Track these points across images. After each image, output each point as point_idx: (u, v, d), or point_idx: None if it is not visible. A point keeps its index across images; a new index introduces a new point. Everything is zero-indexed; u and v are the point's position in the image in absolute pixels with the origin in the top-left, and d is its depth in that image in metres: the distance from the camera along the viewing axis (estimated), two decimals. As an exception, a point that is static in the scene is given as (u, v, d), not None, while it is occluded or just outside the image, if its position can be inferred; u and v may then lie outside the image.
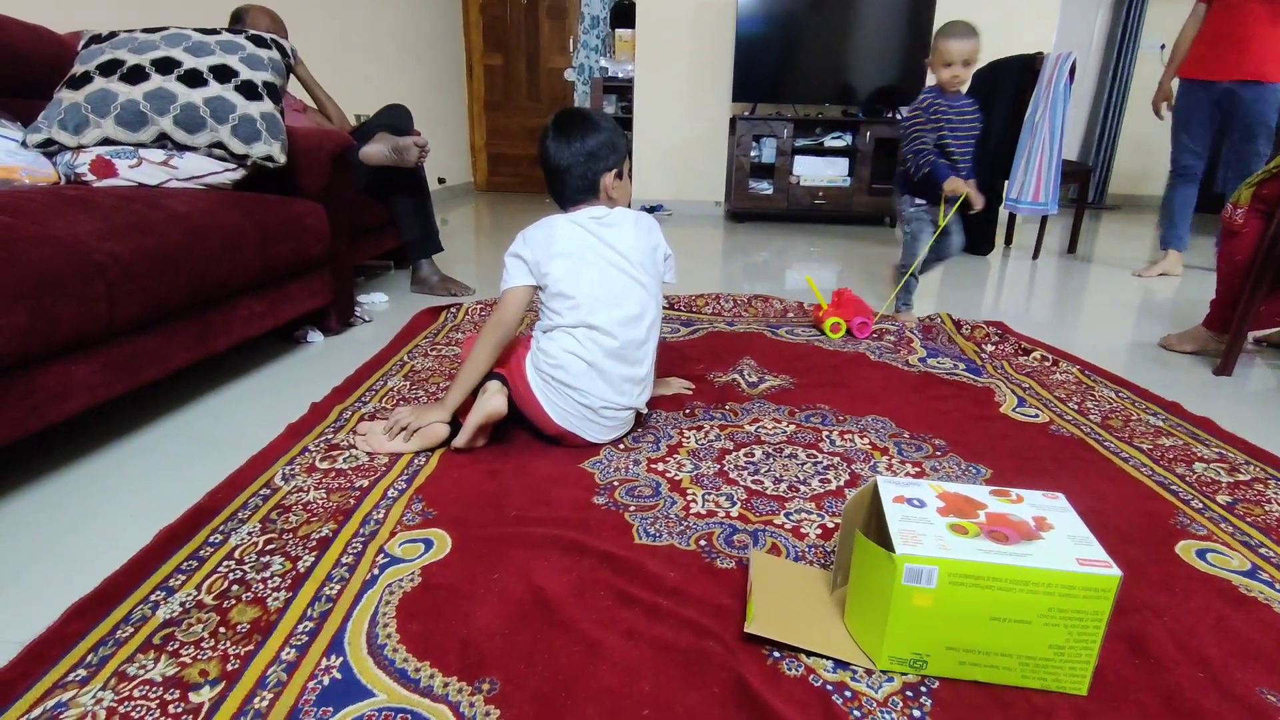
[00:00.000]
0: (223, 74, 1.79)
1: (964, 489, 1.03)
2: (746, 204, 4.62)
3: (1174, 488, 1.43)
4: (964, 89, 2.38)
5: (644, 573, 1.12)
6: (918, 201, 2.44)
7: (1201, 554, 1.22)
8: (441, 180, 5.08)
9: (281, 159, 1.85)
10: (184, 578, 1.09)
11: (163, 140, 1.75)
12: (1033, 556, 0.88)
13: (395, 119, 2.50)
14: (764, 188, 4.59)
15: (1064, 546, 0.90)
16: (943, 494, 1.01)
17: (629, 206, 1.55)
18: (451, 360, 1.99)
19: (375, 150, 2.29)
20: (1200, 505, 1.37)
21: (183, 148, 1.77)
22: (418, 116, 3.20)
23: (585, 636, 0.99)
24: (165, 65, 1.76)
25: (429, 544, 1.18)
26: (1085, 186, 3.85)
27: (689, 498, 1.35)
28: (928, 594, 0.89)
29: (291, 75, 2.01)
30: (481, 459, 1.46)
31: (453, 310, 2.41)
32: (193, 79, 1.76)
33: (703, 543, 1.21)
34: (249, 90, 1.80)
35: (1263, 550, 1.23)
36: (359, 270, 2.82)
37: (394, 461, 1.45)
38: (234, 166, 1.83)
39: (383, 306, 2.50)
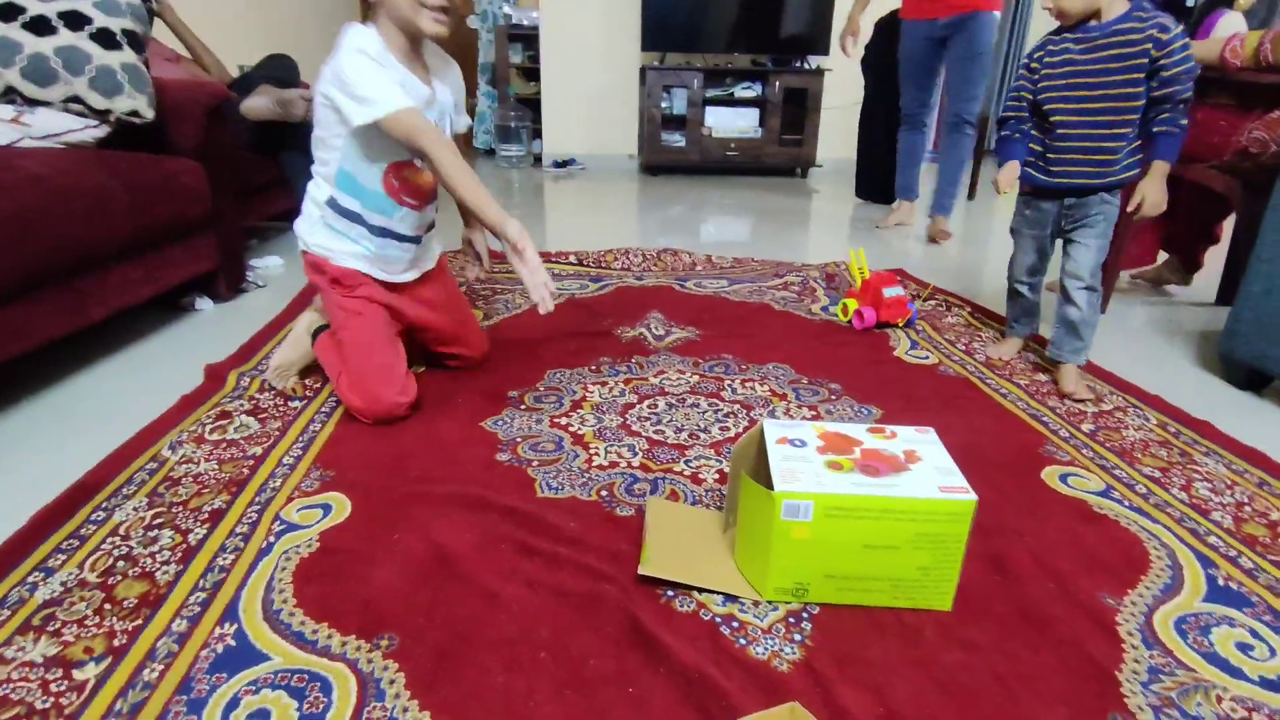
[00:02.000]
0: (74, 20, 1.65)
1: (843, 428, 1.08)
2: (660, 157, 4.61)
3: (1045, 419, 1.54)
4: (1101, 17, 1.55)
5: (545, 525, 1.15)
6: (1023, 190, 1.74)
7: (1064, 478, 1.32)
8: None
9: (149, 114, 1.73)
10: (64, 557, 1.05)
11: (10, 95, 1.61)
12: (900, 487, 0.94)
13: (280, 70, 2.37)
14: (676, 140, 4.58)
15: (929, 476, 0.97)
16: (823, 434, 1.06)
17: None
18: (353, 323, 1.94)
19: (257, 104, 2.17)
20: (1067, 434, 1.48)
21: (34, 102, 1.63)
22: (307, 67, 3.04)
23: (485, 589, 1.01)
24: (6, 11, 1.61)
25: (328, 509, 1.17)
26: (983, 135, 4.00)
27: (591, 451, 1.37)
28: (805, 527, 0.94)
29: (157, 21, 1.87)
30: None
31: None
32: (39, 26, 1.62)
33: (604, 493, 1.24)
34: (106, 38, 1.67)
35: (1116, 471, 1.35)
36: (251, 232, 2.69)
37: (288, 427, 1.41)
38: (96, 123, 1.71)
39: (278, 270, 2.40)
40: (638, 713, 0.83)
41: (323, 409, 1.50)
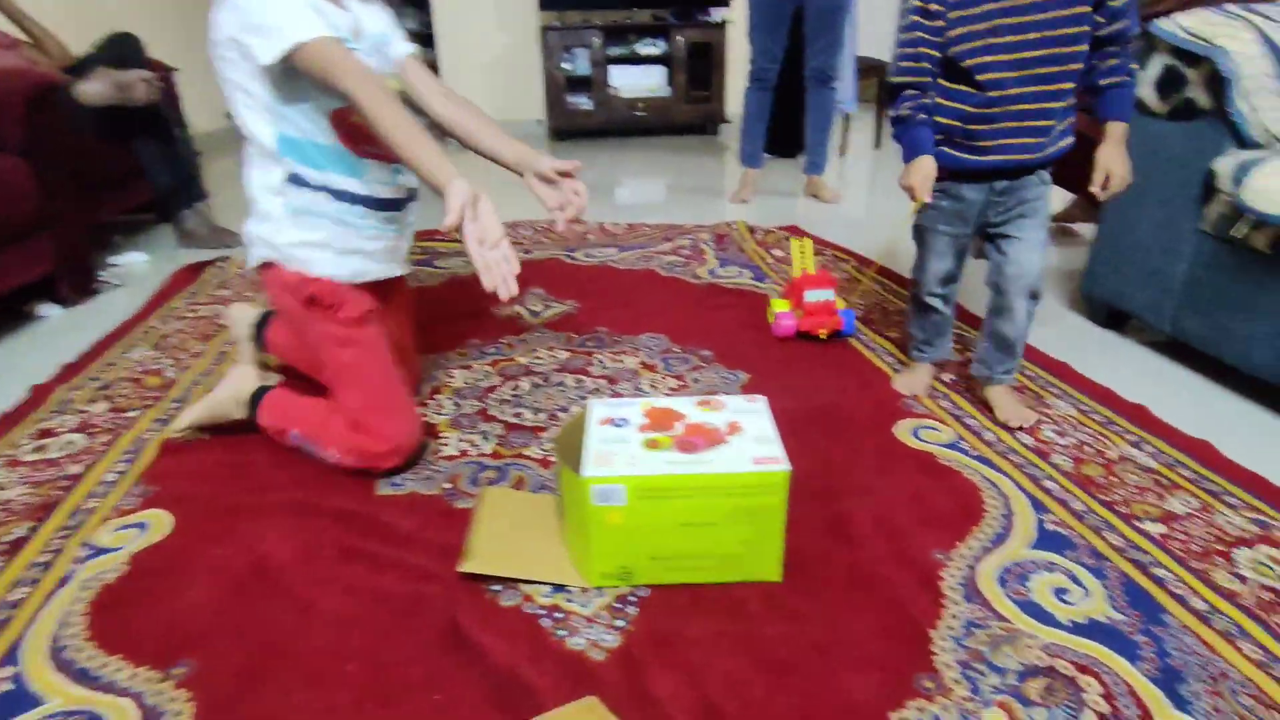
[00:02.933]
0: None
1: (672, 403, 1.06)
2: (567, 120, 4.48)
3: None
4: None
5: (376, 525, 1.10)
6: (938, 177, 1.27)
7: (915, 432, 1.32)
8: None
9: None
10: None
11: None
12: (713, 462, 0.92)
13: (120, 50, 2.20)
14: (583, 102, 4.46)
15: (745, 448, 0.94)
16: (649, 410, 1.03)
17: None
18: (210, 320, 1.84)
19: (93, 89, 2.01)
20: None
21: None
22: (166, 45, 2.85)
23: (300, 600, 0.97)
24: None
25: (144, 527, 1.11)
26: (884, 82, 3.99)
27: (441, 440, 1.32)
28: (620, 510, 0.91)
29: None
30: (223, 429, 1.37)
31: (219, 264, 2.22)
32: None
33: (447, 486, 1.19)
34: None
35: (968, 420, 1.36)
36: (114, 228, 2.53)
37: (113, 442, 1.33)
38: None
39: (142, 267, 2.26)
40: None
41: (161, 417, 1.41)
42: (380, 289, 1.28)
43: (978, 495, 1.15)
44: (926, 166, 1.24)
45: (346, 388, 1.22)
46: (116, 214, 2.43)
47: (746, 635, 0.90)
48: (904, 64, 1.23)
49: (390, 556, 1.04)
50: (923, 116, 1.24)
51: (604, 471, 0.90)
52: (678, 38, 4.39)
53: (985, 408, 1.39)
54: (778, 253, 2.30)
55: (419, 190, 1.28)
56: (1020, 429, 1.32)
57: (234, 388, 1.30)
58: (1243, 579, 0.96)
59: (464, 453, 1.29)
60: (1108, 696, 0.81)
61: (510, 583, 0.98)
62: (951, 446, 1.28)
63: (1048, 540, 1.05)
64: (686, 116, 4.59)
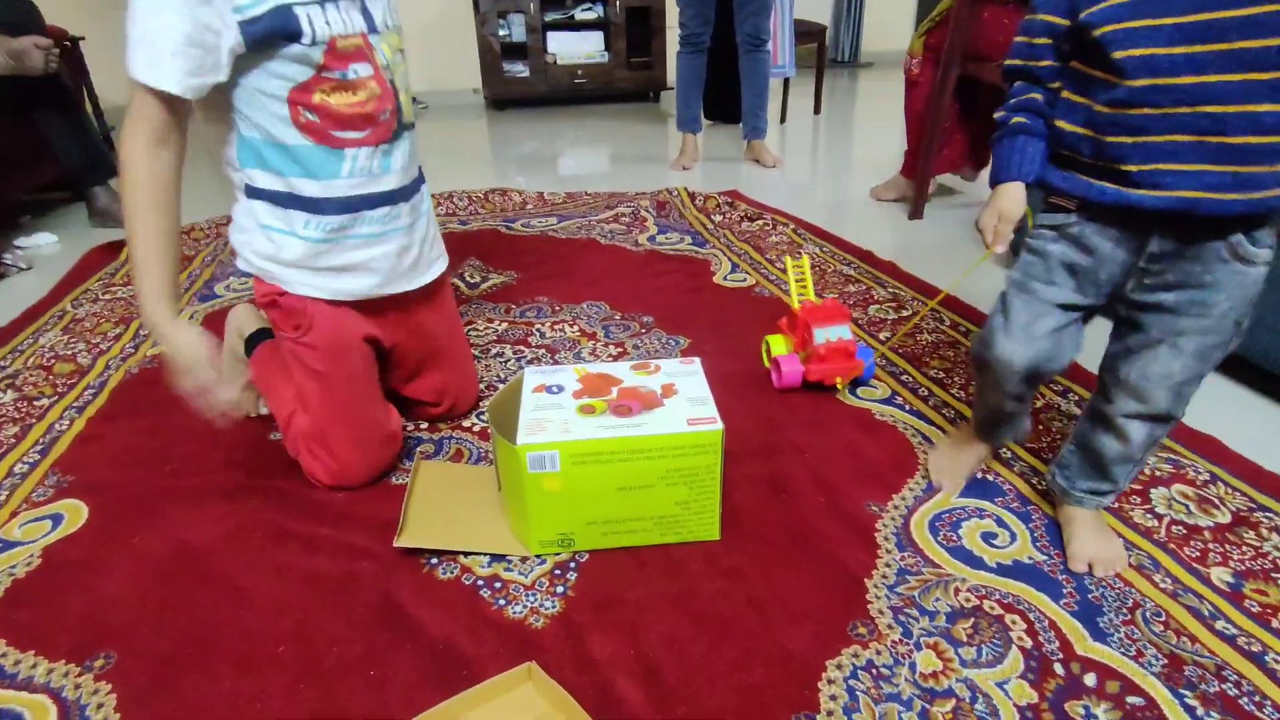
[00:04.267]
0: None
1: (607, 368, 1.05)
2: (505, 89, 4.38)
3: (847, 330, 1.56)
4: None
5: (310, 504, 1.07)
6: (1052, 206, 0.86)
7: (853, 389, 1.34)
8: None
9: None
10: None
11: None
12: (647, 425, 0.91)
13: (13, 16, 2.06)
14: (520, 70, 4.36)
15: (680, 410, 0.94)
16: (584, 376, 1.02)
17: None
18: (127, 302, 1.75)
19: (-18, 59, 1.88)
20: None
21: None
22: (70, 12, 2.67)
23: (229, 584, 0.94)
24: None
25: (58, 519, 1.05)
26: (823, 46, 3.99)
27: (377, 415, 1.29)
28: (555, 477, 0.90)
29: None
30: (144, 413, 1.31)
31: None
32: None
33: (382, 461, 1.16)
34: None
35: (904, 377, 1.38)
36: (21, 208, 2.38)
37: (27, 431, 1.26)
38: None
39: (52, 249, 2.14)
40: (375, 696, 0.79)
41: (75, 404, 1.34)
42: (396, 302, 1.10)
43: (912, 449, 1.17)
44: (1012, 198, 0.84)
45: (305, 411, 1.08)
46: (22, 193, 2.29)
47: (686, 595, 0.91)
48: (1018, 41, 0.83)
49: (323, 536, 1.01)
50: (1023, 121, 0.82)
51: (538, 439, 0.89)
52: (615, 2, 4.31)
53: (922, 362, 1.41)
54: (718, 218, 2.29)
55: (419, 166, 1.12)
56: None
57: (236, 323, 1.26)
58: (1158, 516, 1.01)
59: (400, 427, 1.25)
60: (1031, 632, 0.84)
61: (448, 555, 0.97)
62: (887, 402, 1.30)
63: (977, 488, 1.08)
64: (627, 84, 4.53)
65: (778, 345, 1.38)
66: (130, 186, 0.90)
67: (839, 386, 1.31)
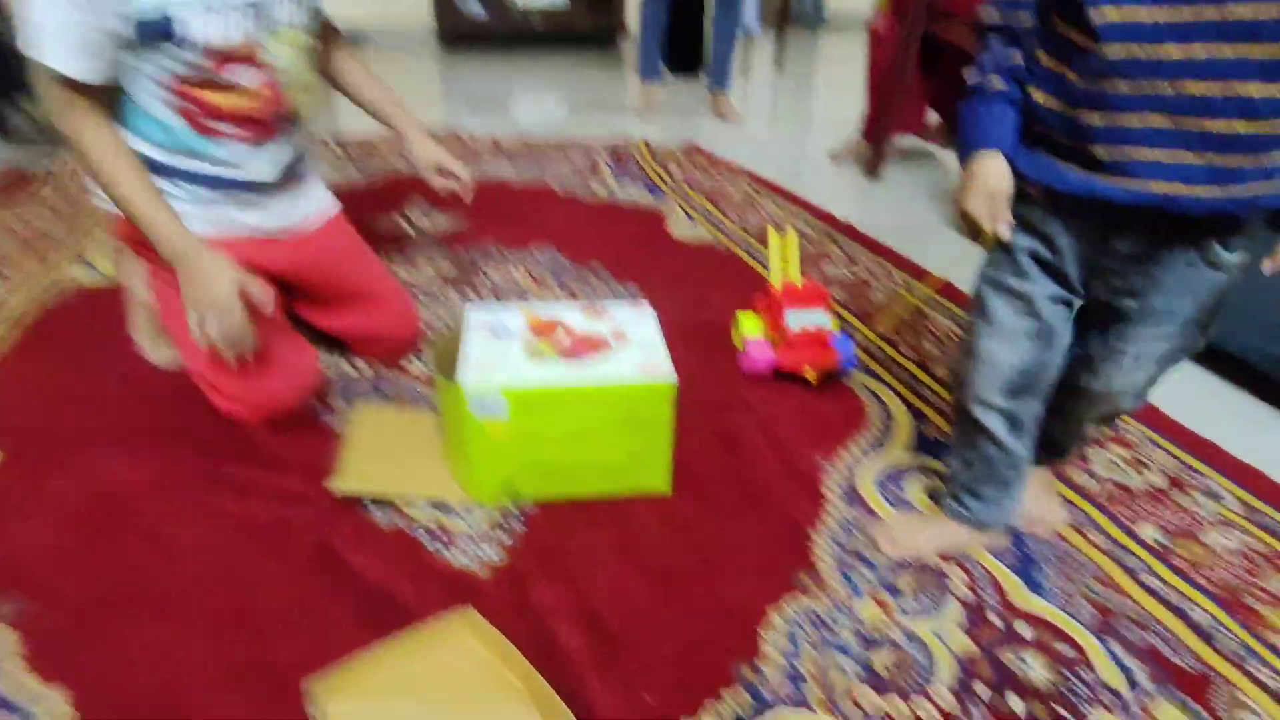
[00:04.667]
0: None
1: (556, 310, 1.01)
2: (459, 26, 4.20)
3: (801, 287, 1.55)
4: None
5: (244, 448, 1.02)
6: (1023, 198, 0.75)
7: (827, 381, 1.33)
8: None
9: None
10: None
11: None
12: (597, 371, 0.89)
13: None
14: (474, 8, 4.18)
15: (631, 356, 0.92)
16: (531, 318, 0.99)
17: None
18: (45, 235, 1.63)
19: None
20: (818, 301, 1.50)
21: None
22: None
23: (153, 531, 0.89)
24: None
25: (-37, 460, 0.98)
26: (787, 4, 3.92)
27: (321, 362, 1.23)
28: (501, 422, 0.88)
29: None
30: (64, 351, 1.23)
31: (52, 167, 1.97)
32: None
33: (321, 405, 1.12)
34: None
35: (855, 335, 1.38)
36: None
37: (-72, 366, 1.17)
38: None
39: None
40: (306, 643, 0.76)
41: (-15, 338, 1.25)
42: (283, 243, 1.09)
43: (861, 406, 1.17)
44: (998, 172, 0.71)
45: (184, 340, 1.02)
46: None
47: (632, 546, 0.90)
48: None
49: (257, 481, 0.96)
50: (1000, 86, 0.72)
51: (483, 381, 0.86)
52: (576, -58, 4.15)
53: (872, 320, 1.41)
54: (676, 171, 2.25)
55: (304, 157, 1.12)
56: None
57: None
58: (1096, 477, 1.03)
59: (312, 359, 1.20)
60: (971, 585, 0.85)
61: (389, 503, 0.94)
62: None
63: (924, 446, 1.09)
64: (585, 27, 4.39)
65: (749, 324, 1.25)
66: (97, 159, 0.90)
67: (810, 378, 1.17)
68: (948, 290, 1.50)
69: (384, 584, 0.82)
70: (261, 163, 1.02)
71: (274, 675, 0.73)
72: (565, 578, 0.84)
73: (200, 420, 1.06)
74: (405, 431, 1.04)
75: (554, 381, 0.87)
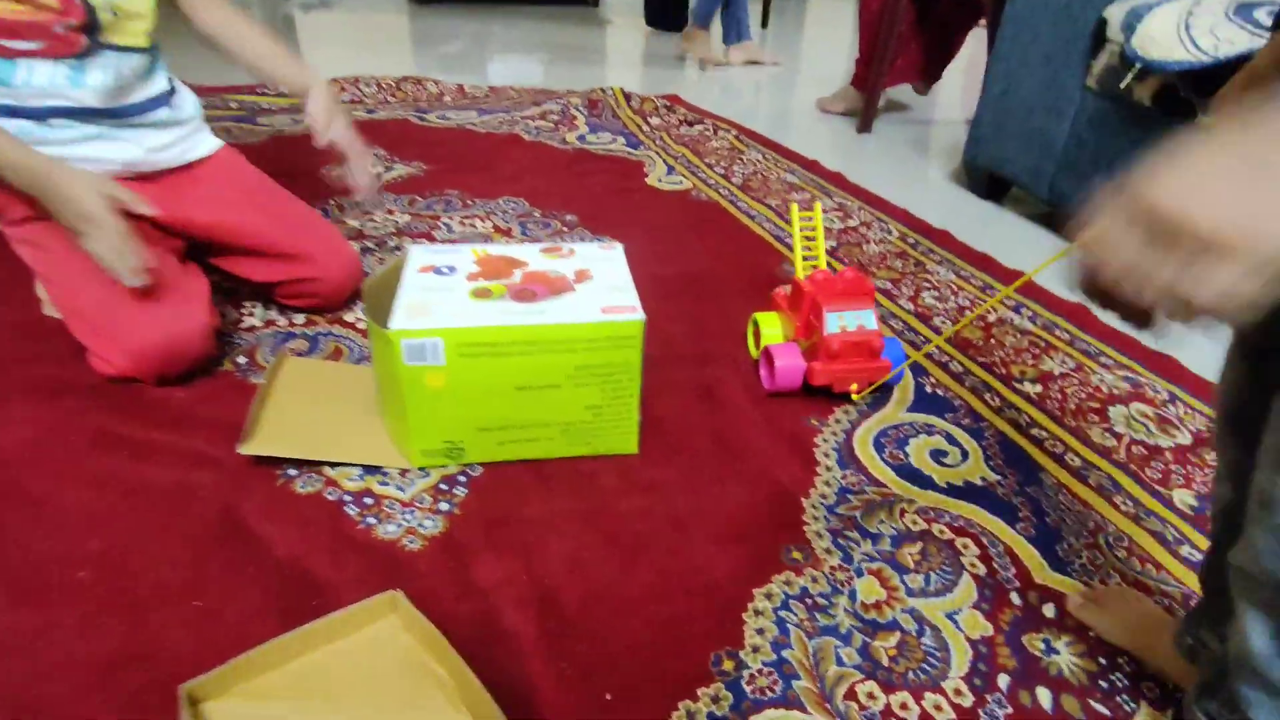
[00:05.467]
0: None
1: (511, 250, 0.88)
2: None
3: (788, 240, 1.42)
4: None
5: (145, 404, 0.88)
6: None
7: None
8: None
9: None
10: None
11: None
12: (553, 312, 0.75)
13: None
14: (447, -39, 3.97)
15: (593, 296, 0.79)
16: (482, 258, 0.85)
17: None
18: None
19: None
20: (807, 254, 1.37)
21: None
22: None
23: (28, 496, 0.75)
24: None
25: None
26: (774, -43, 3.75)
27: (244, 310, 1.09)
28: (439, 372, 0.74)
29: None
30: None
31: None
32: None
33: (242, 360, 0.98)
34: None
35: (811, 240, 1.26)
36: None
37: None
38: None
39: None
40: (198, 632, 0.63)
41: None
42: (162, 182, 0.98)
43: (856, 359, 1.05)
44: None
45: (64, 301, 0.92)
46: None
47: (595, 513, 0.77)
48: None
49: (158, 441, 0.83)
50: None
51: (416, 324, 0.72)
52: (553, -110, 3.94)
53: (867, 270, 1.29)
54: (655, 120, 2.10)
55: (166, 95, 0.98)
56: None
57: None
58: (1117, 435, 0.92)
59: (269, 322, 1.06)
60: (985, 558, 0.74)
61: (312, 467, 0.80)
62: (830, 312, 1.18)
63: (926, 403, 0.97)
64: (564, -16, 4.19)
65: (770, 327, 1.00)
66: None
67: (855, 396, 0.95)
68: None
69: (297, 559, 0.69)
70: (83, 89, 0.88)
71: (154, 672, 0.60)
72: (514, 550, 0.72)
73: (92, 374, 0.92)
74: (336, 386, 0.90)
75: (501, 323, 0.73)
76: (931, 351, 1.06)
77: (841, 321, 0.91)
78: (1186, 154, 0.32)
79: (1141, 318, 0.36)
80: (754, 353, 1.03)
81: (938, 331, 1.13)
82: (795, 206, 1.13)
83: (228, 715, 0.54)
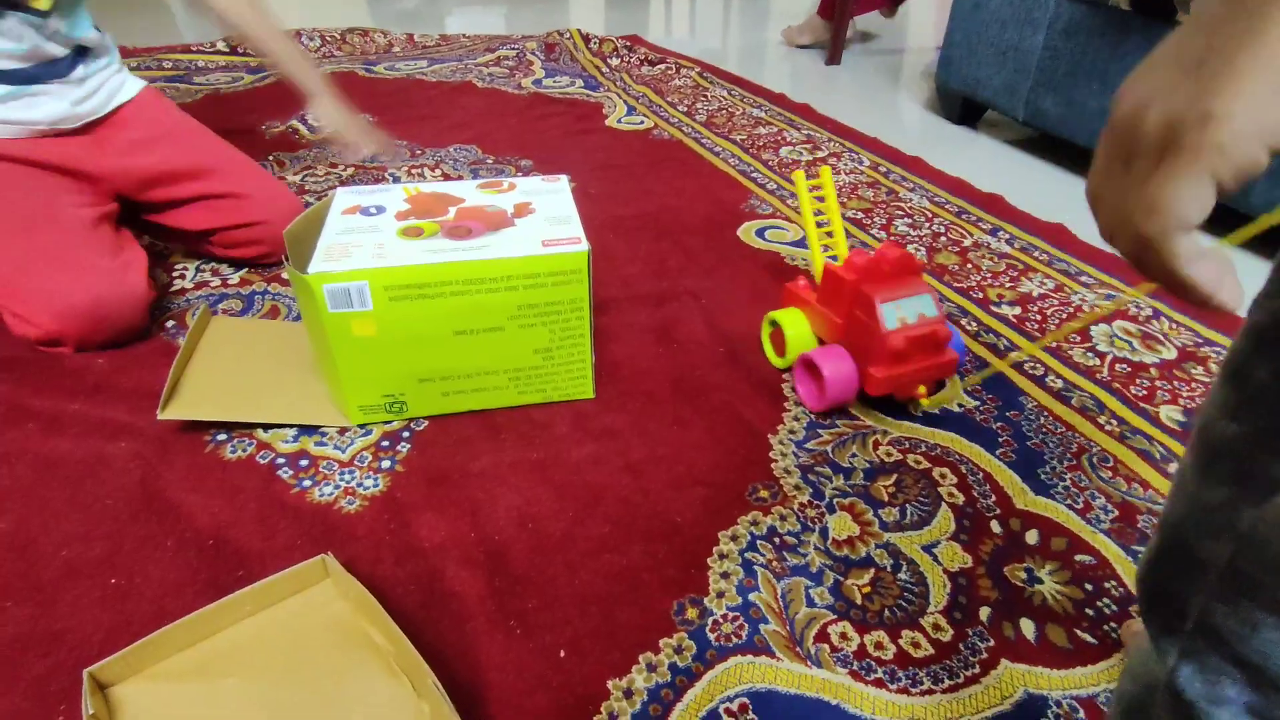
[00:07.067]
0: None
1: (446, 187, 0.81)
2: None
3: (755, 174, 1.35)
4: None
5: (59, 374, 0.82)
6: None
7: (760, 232, 1.15)
8: None
9: None
10: None
11: None
12: (490, 248, 0.69)
13: None
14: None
15: (534, 230, 0.72)
16: (414, 196, 0.78)
17: None
18: None
19: None
20: (774, 186, 1.31)
21: None
22: None
23: (-74, 478, 0.69)
24: None
25: None
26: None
27: (176, 272, 1.02)
28: (368, 318, 0.68)
29: None
30: None
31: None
32: None
33: (171, 324, 0.91)
34: None
35: (818, 217, 1.20)
36: None
37: None
38: None
39: None
40: (114, 610, 0.58)
41: None
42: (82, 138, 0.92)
43: (825, 291, 0.99)
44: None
45: None
46: None
47: (547, 463, 0.72)
48: None
49: (72, 412, 0.76)
50: None
51: (338, 266, 0.66)
52: None
53: (839, 202, 1.23)
54: (615, 61, 2.01)
55: (79, 53, 0.91)
56: None
57: None
58: (1100, 354, 0.88)
59: (201, 284, 0.99)
60: (963, 486, 0.70)
61: (243, 430, 0.74)
62: (799, 244, 1.12)
63: (900, 332, 0.92)
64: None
65: (797, 328, 0.81)
66: None
67: (925, 403, 0.79)
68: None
69: (222, 529, 0.64)
70: (34, 44, 0.83)
71: (61, 655, 0.55)
72: (460, 507, 0.67)
73: (10, 345, 0.85)
74: (266, 345, 0.84)
75: (431, 261, 0.67)
76: (1023, 360, 0.86)
77: (899, 313, 0.72)
78: (1151, 53, 0.24)
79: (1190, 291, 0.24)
80: (775, 360, 0.85)
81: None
82: (800, 175, 0.93)
83: (136, 699, 0.49)
